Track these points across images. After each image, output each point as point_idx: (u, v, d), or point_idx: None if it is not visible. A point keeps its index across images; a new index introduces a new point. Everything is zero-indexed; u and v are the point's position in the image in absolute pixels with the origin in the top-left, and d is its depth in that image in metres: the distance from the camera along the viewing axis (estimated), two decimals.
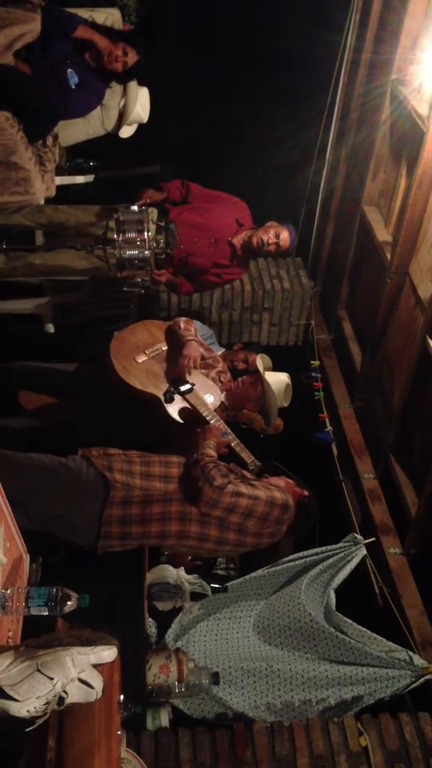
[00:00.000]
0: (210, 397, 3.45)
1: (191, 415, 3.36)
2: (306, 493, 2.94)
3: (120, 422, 3.46)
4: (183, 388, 3.38)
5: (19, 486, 2.46)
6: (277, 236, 4.02)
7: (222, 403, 3.55)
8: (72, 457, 2.77)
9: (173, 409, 3.37)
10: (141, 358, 3.47)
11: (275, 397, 3.57)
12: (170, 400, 3.37)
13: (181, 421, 3.37)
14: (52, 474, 2.66)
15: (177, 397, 3.38)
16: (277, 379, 3.61)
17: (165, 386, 3.41)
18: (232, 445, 3.27)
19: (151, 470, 2.77)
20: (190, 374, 3.43)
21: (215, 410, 3.42)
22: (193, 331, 3.61)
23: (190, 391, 3.38)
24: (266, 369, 3.62)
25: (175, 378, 3.41)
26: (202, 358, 3.61)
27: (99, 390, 3.50)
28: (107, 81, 4.12)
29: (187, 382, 3.39)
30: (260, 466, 3.13)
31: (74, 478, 2.68)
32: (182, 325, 3.59)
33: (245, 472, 2.92)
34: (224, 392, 3.58)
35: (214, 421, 3.30)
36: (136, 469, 2.76)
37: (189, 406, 3.37)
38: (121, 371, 3.37)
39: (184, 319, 3.68)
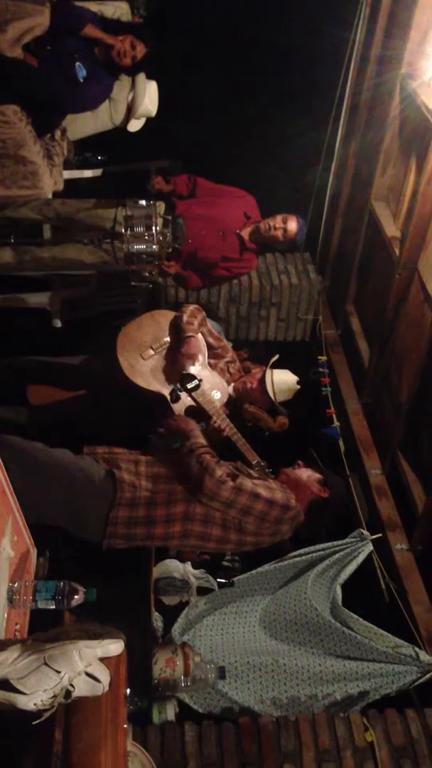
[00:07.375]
0: (217, 393, 3.42)
1: (197, 413, 3.33)
2: (325, 495, 2.83)
3: (126, 417, 3.45)
4: (190, 385, 3.32)
5: (30, 479, 2.46)
6: (285, 221, 4.04)
7: (229, 395, 3.52)
8: (82, 456, 2.75)
9: (179, 408, 3.33)
10: (148, 354, 3.41)
11: (275, 393, 3.51)
12: (176, 399, 3.32)
13: None
14: (64, 471, 2.64)
15: (183, 394, 3.35)
16: (282, 379, 3.56)
17: (171, 383, 3.38)
18: (238, 444, 3.20)
19: (157, 471, 2.73)
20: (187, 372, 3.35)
21: (223, 405, 3.40)
22: (199, 320, 3.48)
23: (197, 388, 3.33)
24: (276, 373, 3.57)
25: (183, 374, 3.38)
26: (211, 347, 3.56)
27: (106, 385, 3.47)
28: (116, 74, 4.12)
29: (194, 378, 3.34)
30: (264, 466, 3.09)
31: (85, 477, 2.66)
32: (185, 317, 3.44)
33: (250, 471, 2.88)
34: (232, 384, 3.55)
35: (220, 421, 3.25)
36: (142, 469, 2.73)
37: (195, 404, 3.34)
38: (126, 369, 3.34)
39: (191, 307, 3.52)
